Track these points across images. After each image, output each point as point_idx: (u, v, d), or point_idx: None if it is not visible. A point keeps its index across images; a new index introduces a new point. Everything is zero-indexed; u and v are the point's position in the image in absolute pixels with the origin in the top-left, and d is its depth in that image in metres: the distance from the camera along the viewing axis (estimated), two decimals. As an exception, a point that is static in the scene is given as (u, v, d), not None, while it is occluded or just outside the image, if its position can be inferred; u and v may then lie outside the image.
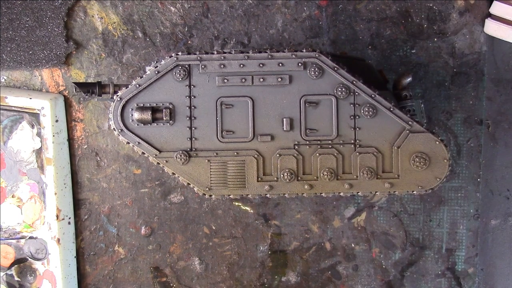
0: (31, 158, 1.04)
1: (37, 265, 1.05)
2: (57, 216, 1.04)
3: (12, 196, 1.05)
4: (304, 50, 0.85)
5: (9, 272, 1.05)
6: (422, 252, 1.06)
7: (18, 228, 1.05)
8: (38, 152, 1.03)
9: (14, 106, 1.03)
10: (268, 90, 0.86)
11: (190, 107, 0.87)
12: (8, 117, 1.04)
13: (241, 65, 0.86)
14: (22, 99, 1.02)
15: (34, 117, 1.03)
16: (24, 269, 1.06)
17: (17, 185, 1.05)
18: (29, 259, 1.05)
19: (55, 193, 1.03)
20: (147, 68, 0.87)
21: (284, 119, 0.86)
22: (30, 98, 1.02)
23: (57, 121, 1.03)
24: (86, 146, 1.07)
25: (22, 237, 1.05)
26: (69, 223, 1.06)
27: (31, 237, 1.05)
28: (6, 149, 1.04)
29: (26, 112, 1.03)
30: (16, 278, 1.06)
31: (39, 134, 1.03)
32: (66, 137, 1.06)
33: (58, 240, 1.04)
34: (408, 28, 1.03)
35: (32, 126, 1.03)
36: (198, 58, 0.86)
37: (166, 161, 0.87)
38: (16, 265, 1.05)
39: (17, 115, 1.04)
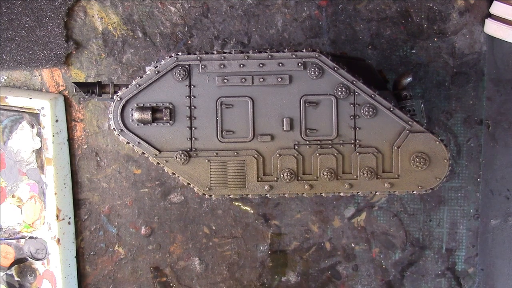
0: (31, 158, 1.04)
1: (37, 265, 1.05)
2: (57, 216, 1.04)
3: (12, 196, 1.05)
4: (304, 50, 0.85)
5: (9, 272, 1.05)
6: (422, 252, 1.06)
7: (18, 228, 1.05)
8: (38, 152, 1.03)
9: (14, 106, 1.03)
10: (268, 90, 0.86)
11: (190, 107, 0.87)
12: (8, 117, 1.04)
13: (241, 65, 0.86)
14: (22, 99, 1.02)
15: (34, 117, 1.03)
16: (24, 269, 1.06)
17: (17, 185, 1.05)
18: (29, 259, 1.05)
19: (55, 193, 1.03)
20: (147, 68, 0.87)
21: (284, 119, 0.86)
22: (30, 98, 1.02)
23: (57, 121, 1.03)
24: (86, 146, 1.07)
25: (22, 237, 1.05)
26: (69, 223, 1.06)
27: (31, 237, 1.05)
28: (6, 149, 1.04)
29: (26, 112, 1.03)
30: (16, 278, 1.06)
31: (39, 134, 1.03)
32: (66, 137, 1.06)
33: (58, 240, 1.04)
34: (408, 28, 1.03)
35: (32, 126, 1.03)
36: (198, 58, 0.86)
37: (166, 161, 0.87)
38: (16, 265, 1.05)
39: (17, 115, 1.04)
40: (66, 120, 1.06)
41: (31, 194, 1.04)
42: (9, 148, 1.04)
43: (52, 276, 1.05)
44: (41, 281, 1.05)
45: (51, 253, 1.04)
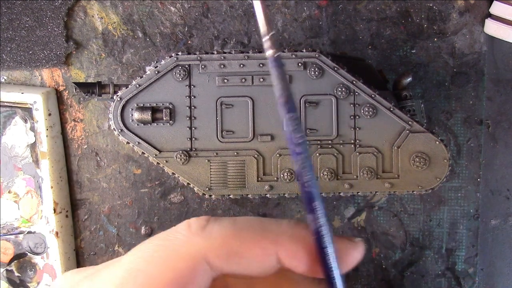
0: (25, 152, 1.04)
1: (36, 259, 1.05)
2: (54, 210, 1.04)
3: (9, 192, 1.05)
4: (304, 50, 0.85)
5: (9, 267, 1.06)
6: (422, 252, 1.06)
7: (16, 223, 1.05)
8: (33, 146, 1.03)
9: (7, 102, 1.03)
10: (268, 90, 0.86)
11: (190, 107, 0.87)
12: (1, 113, 1.03)
13: (241, 65, 0.86)
14: (14, 94, 1.02)
15: (27, 112, 1.03)
16: (24, 264, 1.06)
17: (13, 180, 1.05)
18: (29, 253, 1.05)
19: (51, 187, 1.03)
20: (147, 68, 0.87)
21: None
22: (22, 93, 1.02)
23: (50, 114, 1.03)
24: (86, 146, 1.07)
25: (21, 232, 1.05)
26: (66, 216, 1.06)
27: (29, 232, 1.05)
28: (1, 145, 1.04)
29: (19, 107, 1.03)
30: (16, 274, 1.06)
31: (32, 129, 1.03)
32: (59, 130, 1.05)
33: (57, 233, 1.04)
34: (408, 28, 1.03)
35: (25, 121, 1.03)
36: (198, 58, 0.86)
37: (166, 161, 0.87)
38: (15, 261, 1.06)
39: (9, 111, 1.03)
40: (58, 113, 1.06)
41: (27, 189, 1.05)
42: (3, 144, 1.04)
43: (52, 270, 1.05)
44: (42, 275, 1.06)
45: (50, 246, 1.04)
